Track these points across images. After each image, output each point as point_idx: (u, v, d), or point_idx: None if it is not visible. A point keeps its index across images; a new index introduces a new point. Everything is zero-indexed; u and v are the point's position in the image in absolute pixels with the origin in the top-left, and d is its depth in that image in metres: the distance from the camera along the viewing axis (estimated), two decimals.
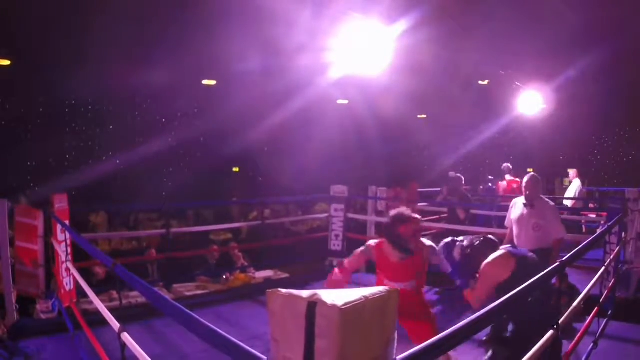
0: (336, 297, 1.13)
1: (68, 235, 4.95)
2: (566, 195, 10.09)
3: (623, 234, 5.78)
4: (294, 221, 9.73)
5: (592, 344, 4.11)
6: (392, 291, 1.26)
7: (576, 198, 9.67)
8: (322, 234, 8.21)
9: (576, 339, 3.58)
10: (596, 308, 4.24)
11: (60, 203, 5.18)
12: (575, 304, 3.15)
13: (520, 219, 4.88)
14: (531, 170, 14.87)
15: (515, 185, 9.21)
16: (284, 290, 1.27)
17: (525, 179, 4.90)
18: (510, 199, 9.33)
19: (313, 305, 1.12)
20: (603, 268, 4.62)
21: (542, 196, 4.97)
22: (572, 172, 10.13)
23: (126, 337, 2.49)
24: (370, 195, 8.32)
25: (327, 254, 7.93)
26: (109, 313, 2.92)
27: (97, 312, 3.20)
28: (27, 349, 4.28)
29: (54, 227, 5.02)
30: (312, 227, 9.84)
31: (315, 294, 1.15)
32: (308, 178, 10.74)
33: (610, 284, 5.19)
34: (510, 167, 9.79)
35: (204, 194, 11.59)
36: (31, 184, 9.52)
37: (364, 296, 1.16)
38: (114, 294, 5.49)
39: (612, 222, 5.14)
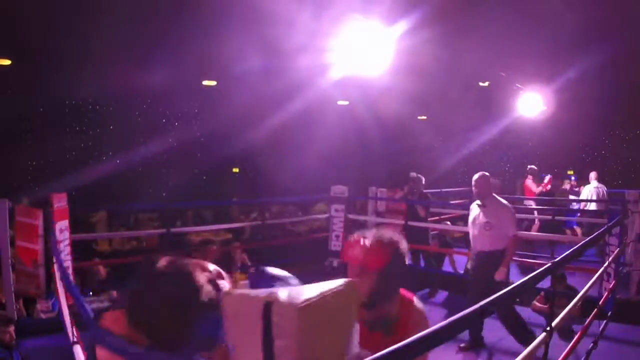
0: (294, 294, 1.09)
1: (68, 235, 4.95)
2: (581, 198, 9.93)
3: (623, 235, 5.77)
4: (294, 221, 9.73)
5: (591, 345, 4.11)
6: (349, 283, 1.22)
7: (594, 200, 9.55)
8: (323, 234, 8.21)
9: (575, 340, 3.57)
10: (595, 309, 4.24)
11: (60, 202, 5.18)
12: (570, 305, 3.13)
13: (475, 220, 4.83)
14: None
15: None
16: (239, 290, 1.22)
17: (475, 177, 4.79)
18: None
19: (269, 304, 1.07)
20: (602, 269, 4.62)
21: (495, 195, 4.87)
22: (592, 174, 9.96)
23: None
24: (371, 196, 8.32)
25: (327, 255, 7.94)
26: None
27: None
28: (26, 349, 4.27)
29: (54, 227, 5.02)
30: (312, 227, 9.84)
31: (272, 293, 1.11)
32: (308, 178, 10.74)
33: (611, 286, 5.19)
34: (535, 168, 9.95)
35: (203, 194, 11.59)
36: (31, 184, 9.51)
37: (321, 292, 1.12)
38: (114, 293, 5.49)
39: (611, 223, 5.14)
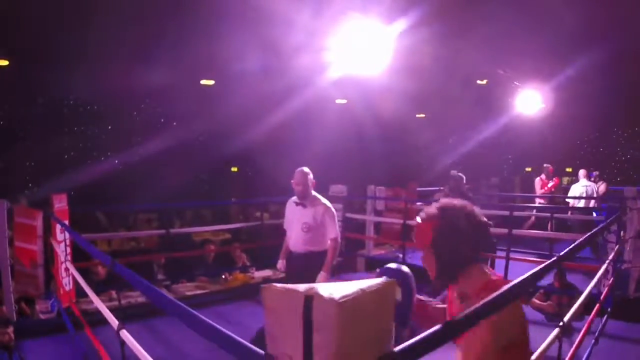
0: (333, 290, 1.12)
1: (67, 235, 4.94)
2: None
3: (622, 232, 5.78)
4: None
5: (593, 342, 4.12)
6: (388, 282, 1.26)
7: (583, 197, 9.54)
8: None
9: (580, 337, 3.56)
10: (596, 306, 4.24)
11: (60, 203, 5.17)
12: (579, 301, 3.14)
13: (292, 220, 4.42)
14: (529, 169, 14.91)
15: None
16: (279, 285, 1.26)
17: (296, 172, 4.37)
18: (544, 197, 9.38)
19: (310, 299, 1.11)
20: (603, 267, 4.62)
21: (316, 194, 4.45)
22: (581, 172, 9.99)
23: (125, 334, 2.48)
24: (369, 195, 8.31)
25: None
26: (108, 311, 2.91)
27: (97, 312, 3.19)
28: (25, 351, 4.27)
29: (53, 227, 5.01)
30: None
31: (312, 288, 1.14)
32: None
33: (609, 283, 5.19)
34: (549, 167, 9.95)
35: (202, 194, 11.59)
36: (30, 184, 9.51)
37: (361, 289, 1.16)
38: (114, 293, 5.47)
39: (610, 220, 5.14)
